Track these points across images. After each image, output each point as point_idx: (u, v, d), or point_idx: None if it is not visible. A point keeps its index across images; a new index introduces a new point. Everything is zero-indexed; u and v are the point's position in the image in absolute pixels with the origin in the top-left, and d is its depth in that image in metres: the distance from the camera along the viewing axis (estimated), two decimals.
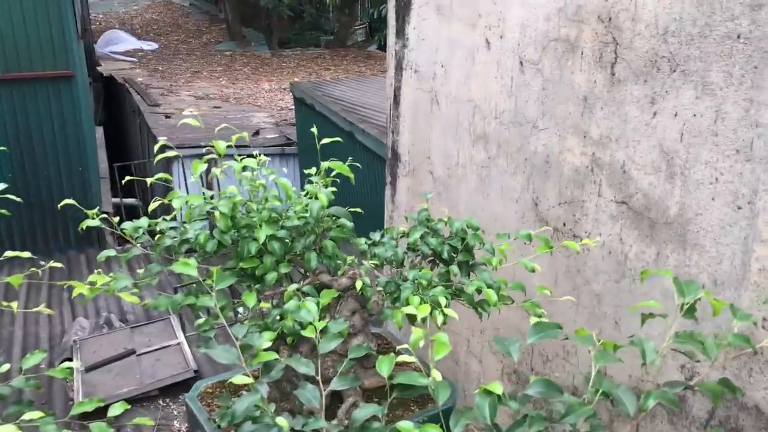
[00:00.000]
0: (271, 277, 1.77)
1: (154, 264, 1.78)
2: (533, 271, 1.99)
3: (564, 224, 2.43)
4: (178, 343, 5.31)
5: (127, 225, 1.84)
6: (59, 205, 1.95)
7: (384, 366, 1.39)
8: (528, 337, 1.41)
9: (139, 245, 1.82)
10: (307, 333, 1.52)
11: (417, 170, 3.37)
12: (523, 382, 2.76)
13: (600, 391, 1.29)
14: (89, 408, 1.45)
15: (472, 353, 3.07)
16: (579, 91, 2.27)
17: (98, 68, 13.88)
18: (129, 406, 1.43)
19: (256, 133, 9.87)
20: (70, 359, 5.29)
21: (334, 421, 1.87)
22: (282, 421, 1.25)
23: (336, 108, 7.31)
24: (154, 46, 16.87)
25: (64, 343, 5.68)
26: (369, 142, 6.36)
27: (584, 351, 2.45)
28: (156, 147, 1.94)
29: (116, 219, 1.85)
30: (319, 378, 1.48)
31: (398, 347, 1.39)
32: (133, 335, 5.53)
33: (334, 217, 1.88)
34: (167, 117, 10.38)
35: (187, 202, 1.72)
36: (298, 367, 1.47)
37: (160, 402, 4.67)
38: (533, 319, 1.93)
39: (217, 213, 1.75)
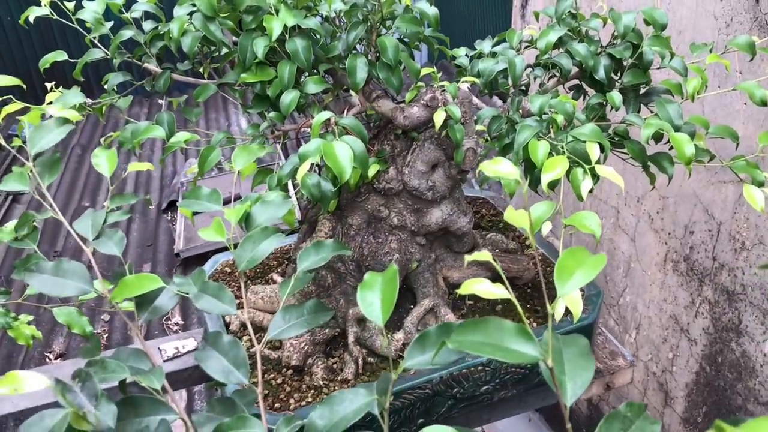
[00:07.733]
0: (290, 99, 1.03)
1: (112, 74, 1.10)
2: (764, 104, 1.10)
3: None
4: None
5: (88, 13, 1.14)
6: None
7: None
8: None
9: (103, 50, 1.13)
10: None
11: None
12: (696, 274, 1.93)
13: None
14: None
15: (622, 228, 2.25)
16: None
17: None
18: None
19: None
20: (176, 201, 5.20)
21: (398, 334, 1.19)
22: None
23: None
24: None
25: (173, 184, 5.53)
26: None
27: None
28: None
29: None
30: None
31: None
32: (240, 181, 5.19)
33: None
34: None
35: None
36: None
37: None
38: (749, 191, 1.12)
39: None
